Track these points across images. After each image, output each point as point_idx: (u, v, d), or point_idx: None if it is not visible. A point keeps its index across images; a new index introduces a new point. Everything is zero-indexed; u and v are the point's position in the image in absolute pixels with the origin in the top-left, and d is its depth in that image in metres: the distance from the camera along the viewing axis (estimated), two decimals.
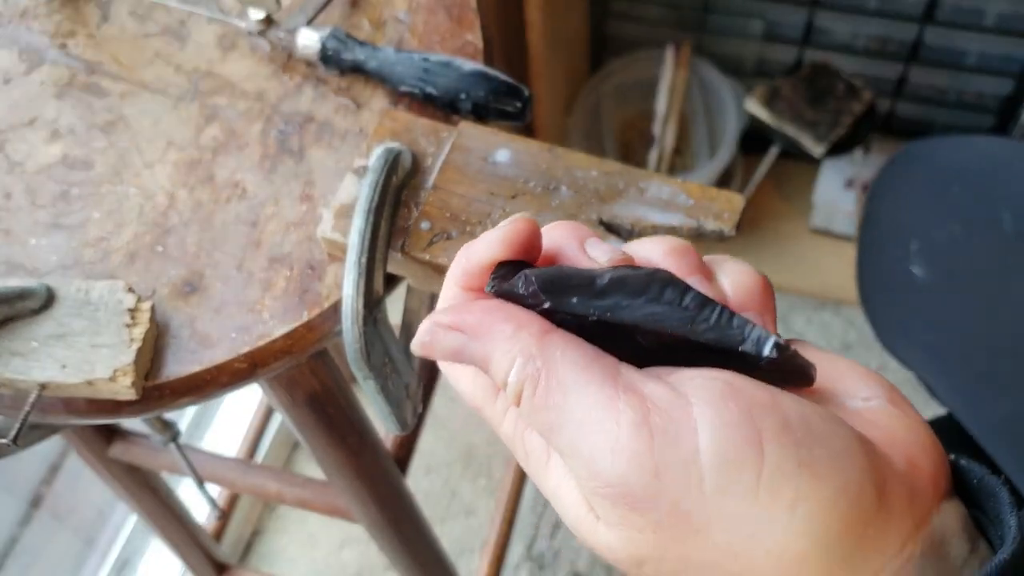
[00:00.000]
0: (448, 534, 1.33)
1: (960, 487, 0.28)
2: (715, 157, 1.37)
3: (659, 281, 0.27)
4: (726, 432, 0.24)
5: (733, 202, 0.45)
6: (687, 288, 0.27)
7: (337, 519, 0.83)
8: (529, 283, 0.28)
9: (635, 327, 0.27)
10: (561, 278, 0.28)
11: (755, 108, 1.30)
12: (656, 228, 0.45)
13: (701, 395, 0.25)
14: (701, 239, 0.46)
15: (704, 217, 0.45)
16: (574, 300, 0.27)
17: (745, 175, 1.46)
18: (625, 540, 0.26)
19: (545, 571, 1.28)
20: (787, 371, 0.27)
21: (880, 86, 1.38)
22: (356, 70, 0.58)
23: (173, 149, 0.57)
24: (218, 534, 1.12)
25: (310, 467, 1.38)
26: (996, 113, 1.38)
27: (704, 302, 0.27)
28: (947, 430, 1.06)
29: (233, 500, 1.15)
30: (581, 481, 0.26)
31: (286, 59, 0.60)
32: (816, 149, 1.27)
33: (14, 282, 0.49)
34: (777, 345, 0.27)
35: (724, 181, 1.42)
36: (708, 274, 0.30)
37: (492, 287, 0.29)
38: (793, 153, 1.31)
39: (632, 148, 1.47)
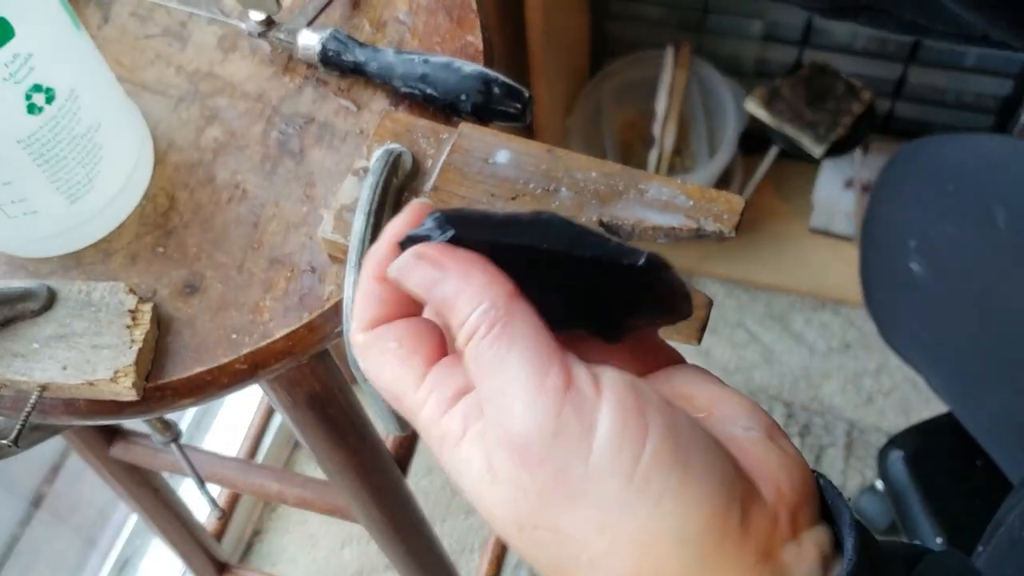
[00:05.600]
0: (448, 533, 1.33)
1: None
2: (715, 158, 1.37)
3: (546, 216, 0.31)
4: (620, 416, 0.27)
5: (733, 203, 0.45)
6: (571, 220, 0.31)
7: (338, 519, 0.83)
8: (438, 221, 0.31)
9: (530, 249, 0.30)
10: (464, 211, 0.31)
11: (755, 109, 1.30)
12: (656, 229, 0.45)
13: (610, 384, 0.28)
14: (701, 240, 0.46)
15: (704, 218, 0.45)
16: (475, 230, 0.31)
17: (745, 176, 1.46)
18: (510, 501, 0.28)
19: None
20: (668, 292, 0.32)
21: (879, 86, 1.38)
22: (356, 71, 0.58)
23: (174, 150, 0.57)
24: (219, 534, 1.12)
25: (311, 467, 1.38)
26: (995, 113, 1.38)
27: (586, 229, 0.31)
28: (947, 428, 1.06)
29: (234, 500, 1.15)
30: (491, 430, 0.28)
31: (287, 60, 0.60)
32: (816, 149, 1.27)
33: (16, 283, 0.49)
34: (650, 256, 0.30)
35: (724, 182, 1.43)
36: None
37: (409, 234, 0.32)
38: (793, 154, 1.31)
39: (632, 149, 1.47)
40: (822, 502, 0.30)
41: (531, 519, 0.27)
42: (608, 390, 0.28)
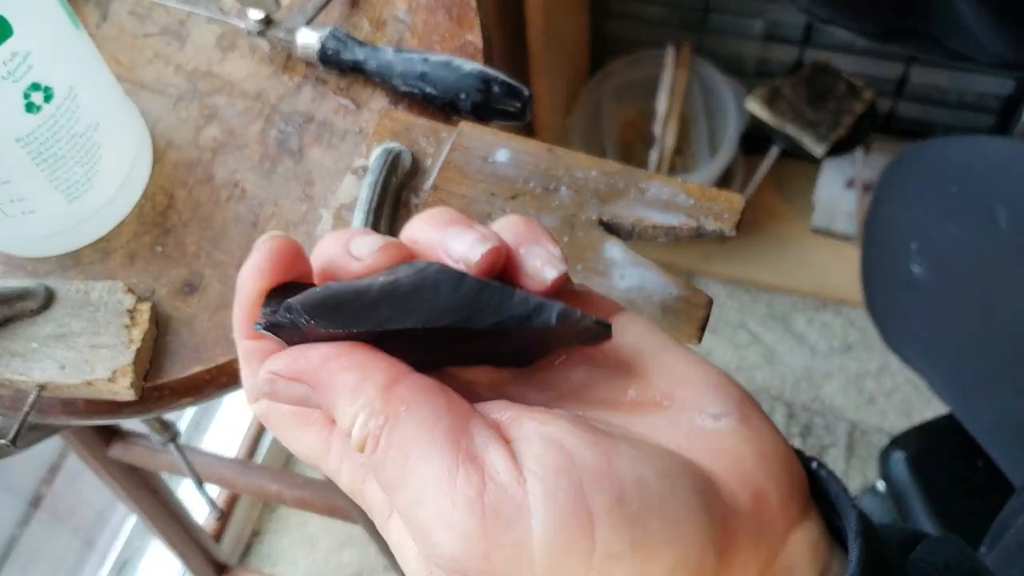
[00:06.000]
0: None
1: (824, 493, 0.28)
2: (716, 157, 1.37)
3: (431, 278, 0.26)
4: (557, 516, 0.23)
5: (733, 202, 0.45)
6: (461, 276, 0.26)
7: (337, 520, 0.83)
8: (294, 312, 0.26)
9: (420, 330, 0.26)
10: (328, 298, 0.26)
11: (756, 108, 1.30)
12: (656, 228, 0.45)
13: (535, 469, 0.24)
14: (702, 239, 0.46)
15: (704, 217, 0.45)
16: (347, 318, 0.26)
17: (746, 175, 1.46)
18: None
19: None
20: (582, 332, 0.27)
21: (881, 86, 1.38)
22: (356, 70, 0.57)
23: (172, 149, 0.57)
24: (218, 534, 1.11)
25: (310, 467, 1.38)
26: (997, 113, 1.38)
27: (480, 286, 0.26)
28: (949, 429, 1.06)
29: (233, 500, 1.15)
30: (418, 545, 0.25)
31: (286, 59, 0.60)
32: (817, 149, 1.27)
33: (14, 282, 0.49)
34: (560, 314, 0.26)
35: (725, 181, 1.42)
36: (477, 227, 0.29)
37: (259, 324, 0.27)
38: (794, 153, 1.31)
39: (632, 148, 1.47)
40: (813, 478, 0.27)
41: None
42: (532, 477, 0.24)
